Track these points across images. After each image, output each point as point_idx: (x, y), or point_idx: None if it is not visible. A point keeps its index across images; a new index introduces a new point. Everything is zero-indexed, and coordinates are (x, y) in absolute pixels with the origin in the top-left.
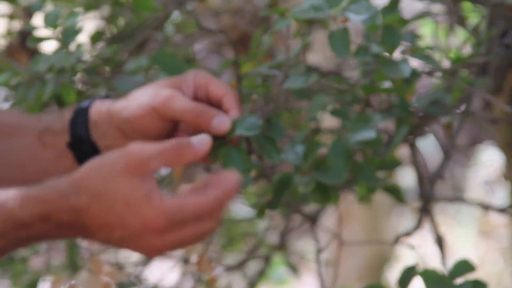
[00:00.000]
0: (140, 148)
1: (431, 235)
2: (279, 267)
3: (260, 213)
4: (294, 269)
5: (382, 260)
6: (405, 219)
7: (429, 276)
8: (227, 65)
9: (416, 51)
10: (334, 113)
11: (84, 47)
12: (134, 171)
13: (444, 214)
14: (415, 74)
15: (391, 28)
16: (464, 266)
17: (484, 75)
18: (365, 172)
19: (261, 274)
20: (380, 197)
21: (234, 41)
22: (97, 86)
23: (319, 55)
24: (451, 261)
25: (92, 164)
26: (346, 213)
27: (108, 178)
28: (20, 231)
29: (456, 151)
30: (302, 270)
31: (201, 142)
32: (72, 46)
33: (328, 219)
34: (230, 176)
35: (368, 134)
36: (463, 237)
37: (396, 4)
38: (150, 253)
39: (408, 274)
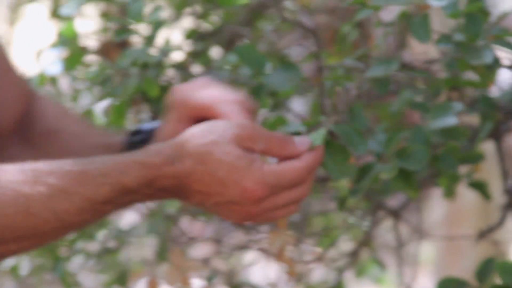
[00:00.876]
0: (252, 125)
1: None
2: (375, 265)
3: (341, 205)
4: (381, 265)
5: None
6: None
7: (505, 268)
8: (311, 58)
9: (499, 38)
10: (414, 106)
11: (172, 43)
12: (242, 143)
13: None
14: (497, 61)
15: (474, 15)
16: None
17: None
18: (447, 161)
19: (348, 269)
20: (494, 197)
21: (328, 39)
22: (185, 82)
23: (416, 50)
24: None
25: (198, 129)
26: (457, 213)
27: (216, 144)
28: (126, 196)
29: None
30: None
31: (303, 142)
32: (158, 41)
33: (431, 216)
34: (313, 151)
35: (448, 121)
36: None
37: None
38: (243, 220)
39: (486, 267)
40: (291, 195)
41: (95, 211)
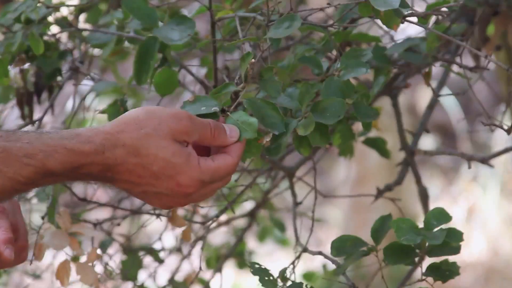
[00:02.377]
0: (186, 116)
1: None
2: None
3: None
4: (280, 226)
5: None
6: (429, 179)
7: (401, 225)
8: (202, 11)
9: None
10: (302, 60)
11: None
12: (178, 137)
13: (466, 175)
14: (404, 4)
15: None
16: (440, 216)
17: (470, 23)
18: (361, 108)
19: (248, 229)
20: (400, 157)
21: None
22: (70, 38)
23: (314, 5)
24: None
25: (132, 118)
26: (364, 173)
27: (151, 137)
28: (49, 178)
29: (480, 109)
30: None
31: (233, 133)
32: None
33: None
34: (241, 143)
35: (360, 71)
36: (485, 197)
37: None
38: (168, 207)
39: (382, 224)
40: (218, 185)
41: (15, 190)
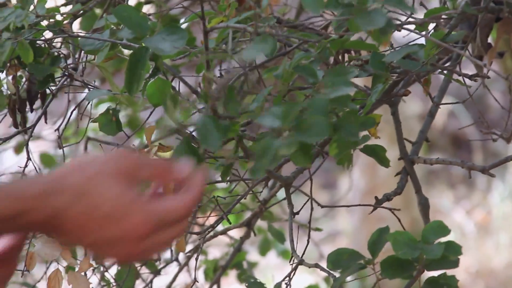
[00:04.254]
0: (131, 155)
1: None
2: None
3: (225, 174)
4: (280, 237)
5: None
6: (440, 191)
7: (398, 238)
8: (193, 19)
9: None
10: (297, 69)
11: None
12: (123, 176)
13: (480, 186)
14: (390, 24)
15: None
16: (438, 229)
17: (471, 30)
18: (346, 127)
19: (244, 240)
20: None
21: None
22: (64, 44)
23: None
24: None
25: (77, 163)
26: (373, 184)
27: (96, 179)
28: None
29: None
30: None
31: (185, 167)
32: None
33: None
34: (200, 178)
35: (345, 90)
36: (499, 209)
37: None
38: (122, 259)
39: (379, 236)
40: (173, 232)
41: None
